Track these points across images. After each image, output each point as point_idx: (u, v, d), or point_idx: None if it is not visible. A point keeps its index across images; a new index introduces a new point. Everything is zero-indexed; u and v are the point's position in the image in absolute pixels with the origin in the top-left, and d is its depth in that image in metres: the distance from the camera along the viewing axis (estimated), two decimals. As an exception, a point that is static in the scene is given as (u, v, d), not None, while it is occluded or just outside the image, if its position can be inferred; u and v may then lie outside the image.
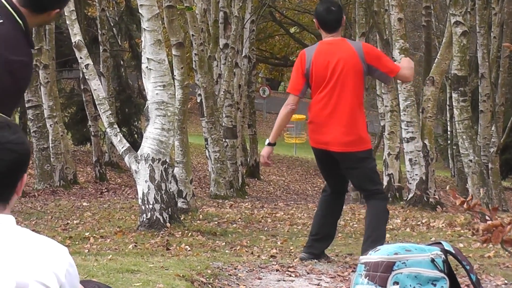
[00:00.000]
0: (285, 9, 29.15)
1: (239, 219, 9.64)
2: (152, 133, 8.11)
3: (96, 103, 9.37)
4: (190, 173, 10.74)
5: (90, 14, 21.97)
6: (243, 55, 17.94)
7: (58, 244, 2.14)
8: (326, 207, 5.94)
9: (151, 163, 8.05)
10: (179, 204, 10.08)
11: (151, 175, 8.04)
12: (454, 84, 10.55)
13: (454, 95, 10.48)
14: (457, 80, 10.40)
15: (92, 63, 9.76)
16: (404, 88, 11.51)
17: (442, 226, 8.69)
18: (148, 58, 8.19)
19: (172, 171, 10.02)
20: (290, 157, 28.34)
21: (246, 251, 6.97)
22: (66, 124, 18.52)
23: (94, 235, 7.94)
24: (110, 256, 5.70)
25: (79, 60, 10.05)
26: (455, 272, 3.20)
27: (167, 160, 8.17)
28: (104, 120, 9.09)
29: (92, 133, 17.77)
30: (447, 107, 21.13)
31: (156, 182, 8.04)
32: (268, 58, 34.89)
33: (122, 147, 8.56)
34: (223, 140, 14.82)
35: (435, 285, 3.07)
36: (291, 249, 7.00)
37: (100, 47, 18.00)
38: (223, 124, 15.40)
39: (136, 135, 20.05)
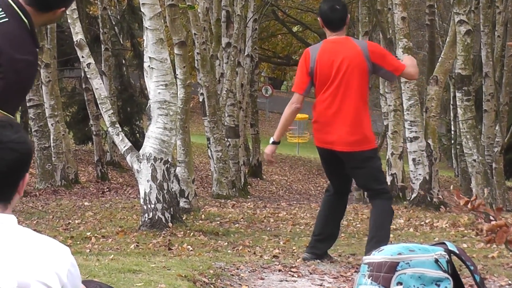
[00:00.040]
0: (287, 7, 29.13)
1: (242, 219, 9.62)
2: (154, 132, 8.09)
3: (98, 102, 9.35)
4: (192, 173, 10.73)
5: (92, 13, 21.98)
6: (245, 54, 17.92)
7: (60, 244, 2.13)
8: (329, 207, 5.92)
9: (153, 163, 8.03)
10: (181, 204, 10.06)
11: (153, 174, 8.02)
12: (458, 83, 10.52)
13: (458, 94, 10.45)
14: (461, 79, 10.37)
15: (93, 62, 9.74)
16: (407, 87, 11.47)
17: (446, 226, 8.66)
18: (150, 57, 8.17)
19: (174, 170, 9.99)
20: (293, 157, 28.32)
21: (248, 251, 6.95)
22: (67, 123, 18.54)
23: (96, 235, 7.93)
24: (112, 256, 5.68)
25: (81, 59, 10.03)
26: (459, 273, 3.19)
27: (169, 160, 8.15)
28: (106, 119, 9.07)
29: (94, 132, 17.78)
30: (451, 107, 21.06)
31: (158, 181, 8.02)
32: (271, 57, 34.89)
33: (124, 147, 8.54)
34: (226, 139, 14.80)
35: (439, 285, 3.07)
36: (294, 249, 6.98)
37: (102, 46, 18.00)
38: (225, 124, 15.39)
39: (138, 135, 20.02)
